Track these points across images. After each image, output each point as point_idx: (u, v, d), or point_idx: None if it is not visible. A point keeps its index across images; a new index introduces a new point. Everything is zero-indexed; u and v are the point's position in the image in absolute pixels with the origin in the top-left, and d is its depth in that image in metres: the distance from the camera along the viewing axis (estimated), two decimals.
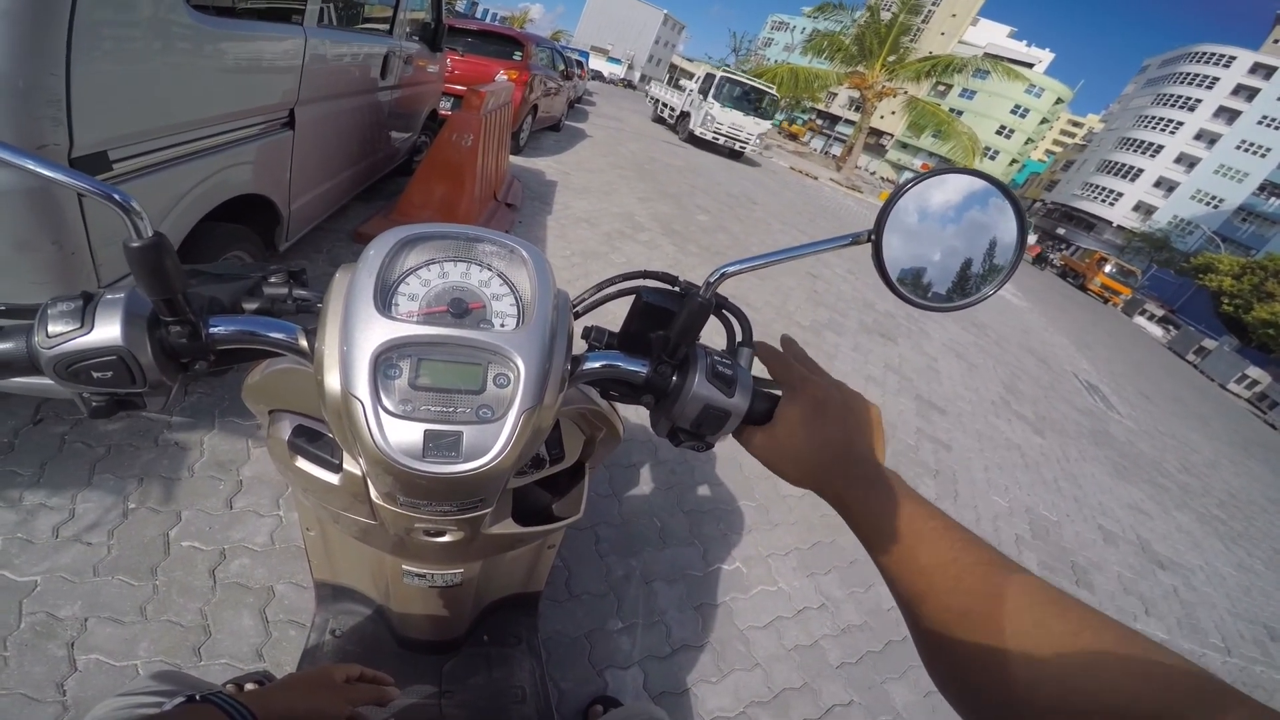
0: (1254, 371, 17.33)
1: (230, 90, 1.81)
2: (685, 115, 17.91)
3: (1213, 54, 49.98)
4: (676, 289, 0.64)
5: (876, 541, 0.46)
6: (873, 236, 0.52)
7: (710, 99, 16.68)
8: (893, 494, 0.47)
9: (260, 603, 1.58)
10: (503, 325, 0.50)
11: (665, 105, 20.50)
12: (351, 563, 1.05)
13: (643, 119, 19.80)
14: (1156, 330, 24.64)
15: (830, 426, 0.54)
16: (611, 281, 0.71)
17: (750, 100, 17.46)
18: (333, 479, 0.66)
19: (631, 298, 0.63)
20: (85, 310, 0.44)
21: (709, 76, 17.49)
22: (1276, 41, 50.01)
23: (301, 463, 0.67)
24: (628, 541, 2.20)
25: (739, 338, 0.67)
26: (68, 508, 1.61)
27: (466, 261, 0.52)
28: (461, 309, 0.49)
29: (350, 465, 0.64)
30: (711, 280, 0.54)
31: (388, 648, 1.08)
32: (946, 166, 0.54)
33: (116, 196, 0.41)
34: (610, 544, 2.15)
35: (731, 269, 0.54)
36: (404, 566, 0.83)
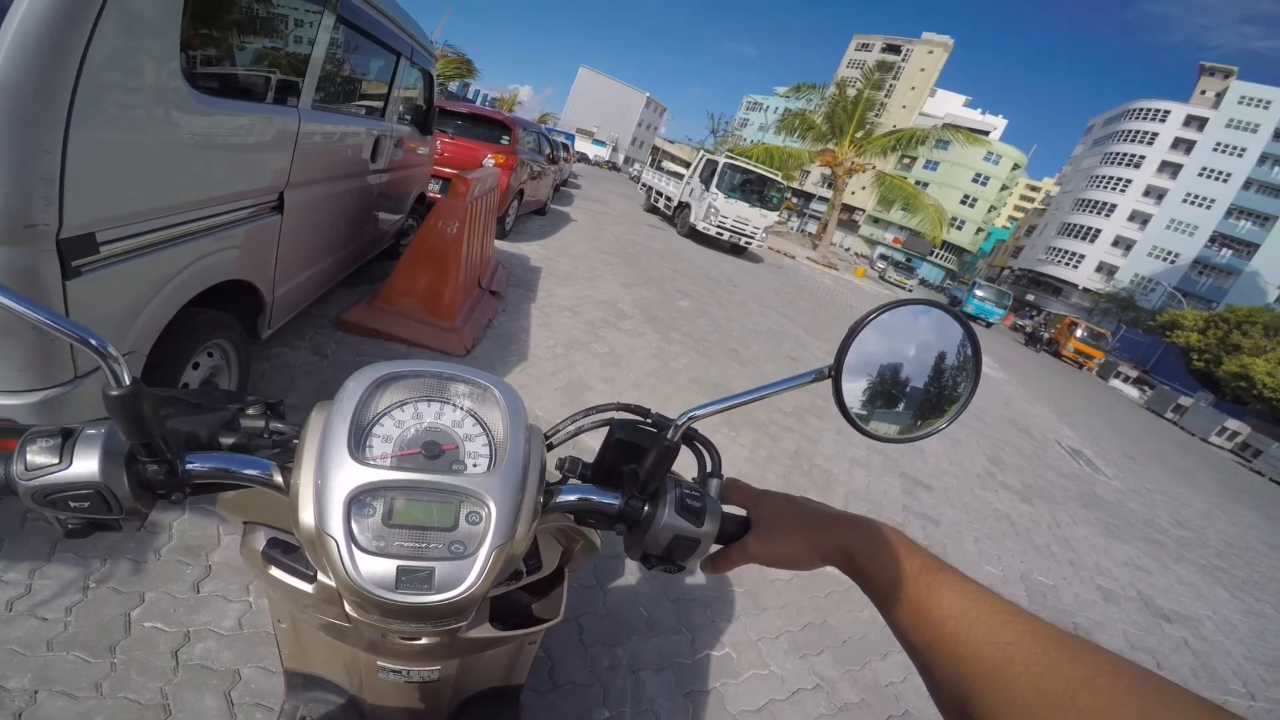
0: (1233, 423, 17.65)
1: (223, 172, 1.80)
2: (684, 207, 16.19)
3: (1149, 109, 52.56)
4: (648, 421, 0.68)
5: (888, 596, 0.48)
6: (832, 373, 0.55)
7: (713, 189, 14.83)
8: (900, 548, 0.49)
9: (225, 685, 1.51)
10: (475, 466, 0.52)
11: (660, 194, 18.49)
12: (324, 655, 1.01)
13: (629, 204, 19.89)
14: (1133, 391, 25.07)
15: (813, 505, 0.57)
16: (586, 413, 0.74)
17: (755, 189, 15.74)
18: (307, 588, 0.65)
19: (606, 428, 0.67)
20: (64, 446, 0.46)
21: (709, 163, 15.60)
22: (1204, 92, 52.85)
23: (275, 572, 0.66)
24: (613, 631, 2.12)
25: (709, 467, 0.70)
26: (24, 583, 1.57)
27: (440, 401, 0.54)
28: (435, 451, 0.51)
29: (325, 578, 0.63)
30: (679, 423, 0.57)
31: None
32: (896, 301, 0.56)
33: (94, 342, 0.42)
34: (595, 634, 2.07)
35: (699, 413, 0.57)
36: (379, 663, 0.80)
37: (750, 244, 15.64)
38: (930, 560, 0.48)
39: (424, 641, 0.66)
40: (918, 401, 0.58)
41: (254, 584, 1.79)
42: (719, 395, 0.69)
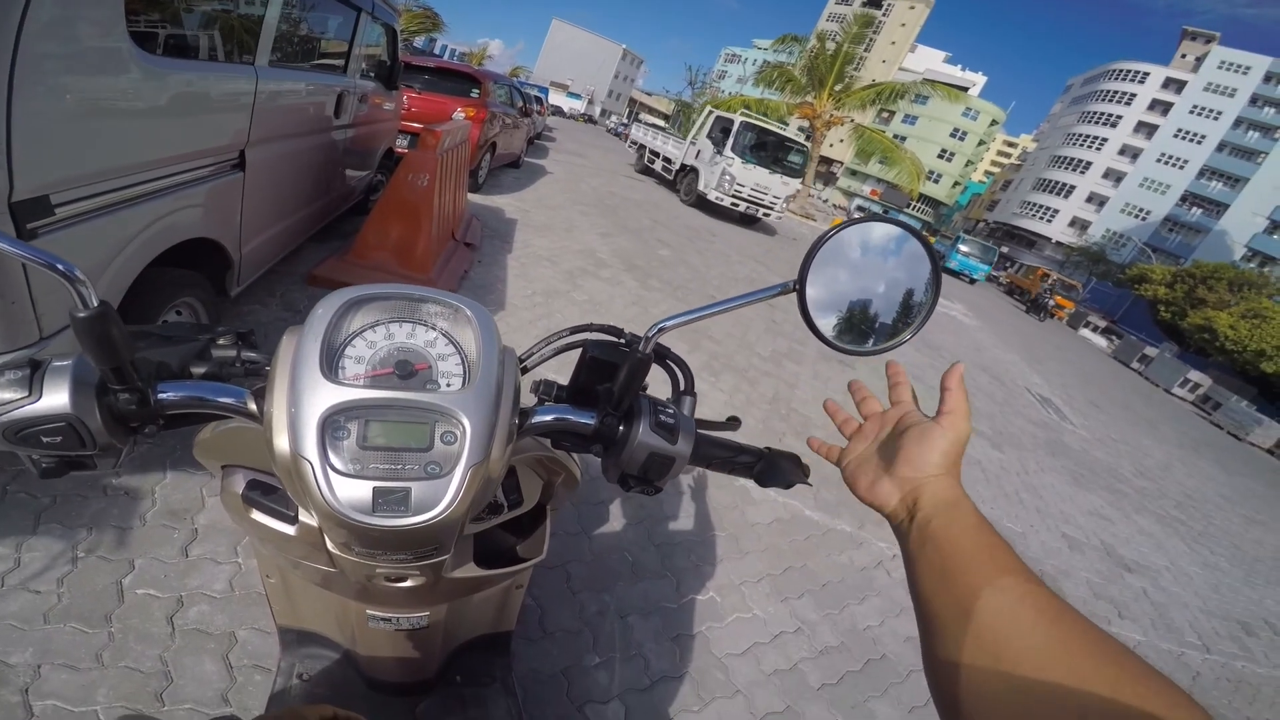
0: (1195, 375, 18.20)
1: (178, 132, 1.77)
2: (689, 171, 13.80)
3: (1129, 70, 53.37)
4: (621, 341, 0.68)
5: (936, 561, 0.47)
6: (797, 286, 0.55)
7: (728, 152, 12.43)
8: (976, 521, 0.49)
9: (222, 648, 1.53)
10: (449, 385, 0.51)
11: (657, 155, 15.91)
12: (315, 608, 1.02)
13: (607, 156, 19.34)
14: (1101, 341, 25.72)
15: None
16: (559, 335, 0.74)
17: (776, 152, 13.33)
18: (289, 530, 0.65)
19: (579, 350, 0.66)
20: (33, 378, 0.44)
21: (722, 121, 13.25)
22: (1184, 56, 53.69)
23: (257, 515, 0.66)
24: (600, 577, 2.18)
25: (682, 386, 0.70)
26: (12, 556, 1.56)
27: (412, 322, 0.54)
28: (408, 370, 0.50)
29: (306, 517, 0.63)
30: (649, 335, 0.56)
31: (357, 690, 1.04)
32: (864, 215, 0.59)
33: (60, 266, 0.40)
34: (582, 581, 2.12)
35: (669, 324, 0.57)
36: (368, 611, 0.81)
37: (769, 215, 13.60)
38: (983, 521, 0.48)
39: (409, 583, 0.66)
40: (881, 315, 0.59)
41: (242, 545, 1.79)
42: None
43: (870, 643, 2.38)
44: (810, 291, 0.56)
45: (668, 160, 15.29)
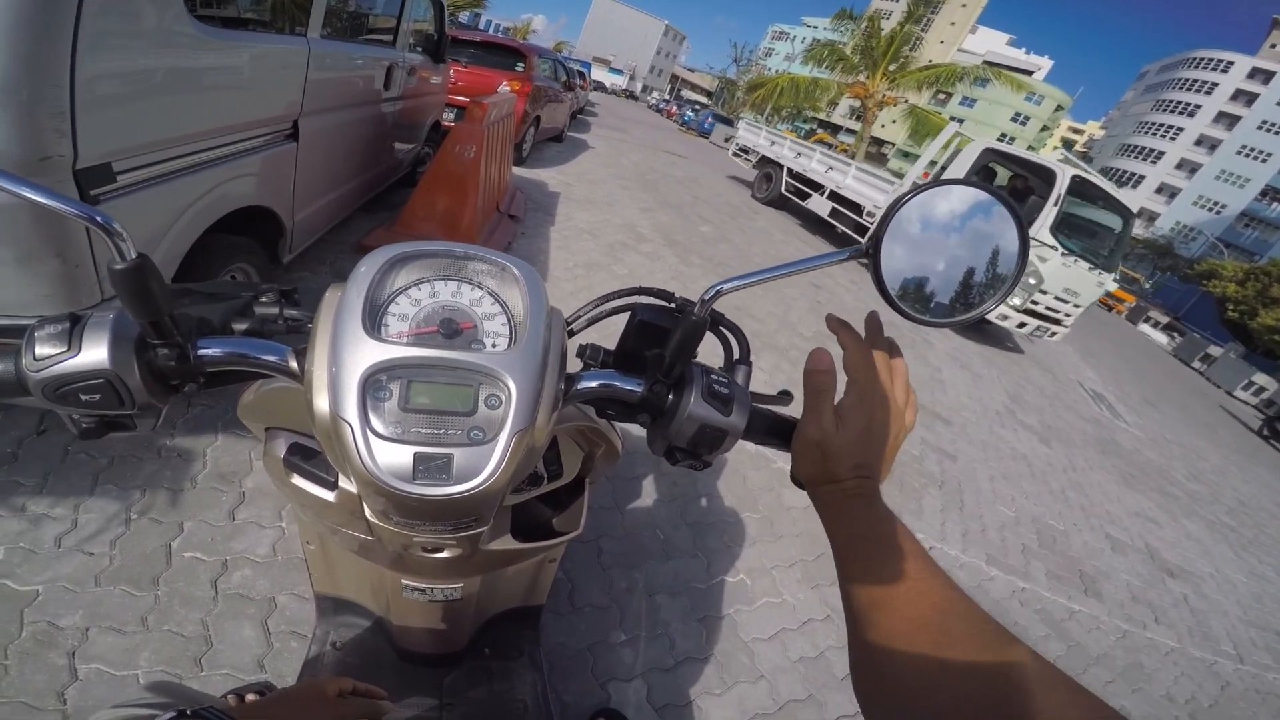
0: (1260, 378, 17.20)
1: (233, 102, 1.82)
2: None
3: (1210, 59, 50.36)
4: (672, 305, 0.64)
5: (856, 549, 0.48)
6: (870, 250, 0.51)
7: (1043, 233, 7.00)
8: (887, 515, 0.49)
9: (262, 614, 1.57)
10: (494, 346, 0.49)
11: (816, 191, 10.27)
12: (351, 576, 1.05)
13: (648, 131, 18.57)
14: (1161, 338, 24.52)
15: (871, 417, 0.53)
16: (607, 299, 0.70)
17: (1092, 230, 8.06)
18: (329, 496, 0.65)
19: (627, 315, 0.63)
20: (73, 332, 0.43)
21: (1011, 166, 8.42)
22: (1274, 46, 50.44)
23: (297, 480, 0.67)
24: (631, 554, 2.19)
25: (736, 355, 0.66)
26: (70, 518, 1.61)
27: (457, 280, 0.52)
28: (452, 329, 0.49)
29: (345, 483, 0.63)
30: (706, 298, 0.53)
31: (388, 660, 1.07)
32: (947, 178, 0.53)
33: (98, 219, 0.39)
34: (613, 556, 2.14)
35: (727, 286, 0.52)
36: (403, 581, 0.82)
37: (1053, 334, 8.03)
38: (909, 535, 0.48)
39: (446, 554, 0.66)
40: (960, 284, 0.54)
41: (286, 509, 1.85)
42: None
43: None
44: (884, 257, 0.51)
45: (852, 209, 9.37)
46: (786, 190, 11.22)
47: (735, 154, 13.29)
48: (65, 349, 0.43)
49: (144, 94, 1.40)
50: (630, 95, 54.96)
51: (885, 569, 0.45)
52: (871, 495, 0.50)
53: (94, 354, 0.43)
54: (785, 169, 11.23)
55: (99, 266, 1.33)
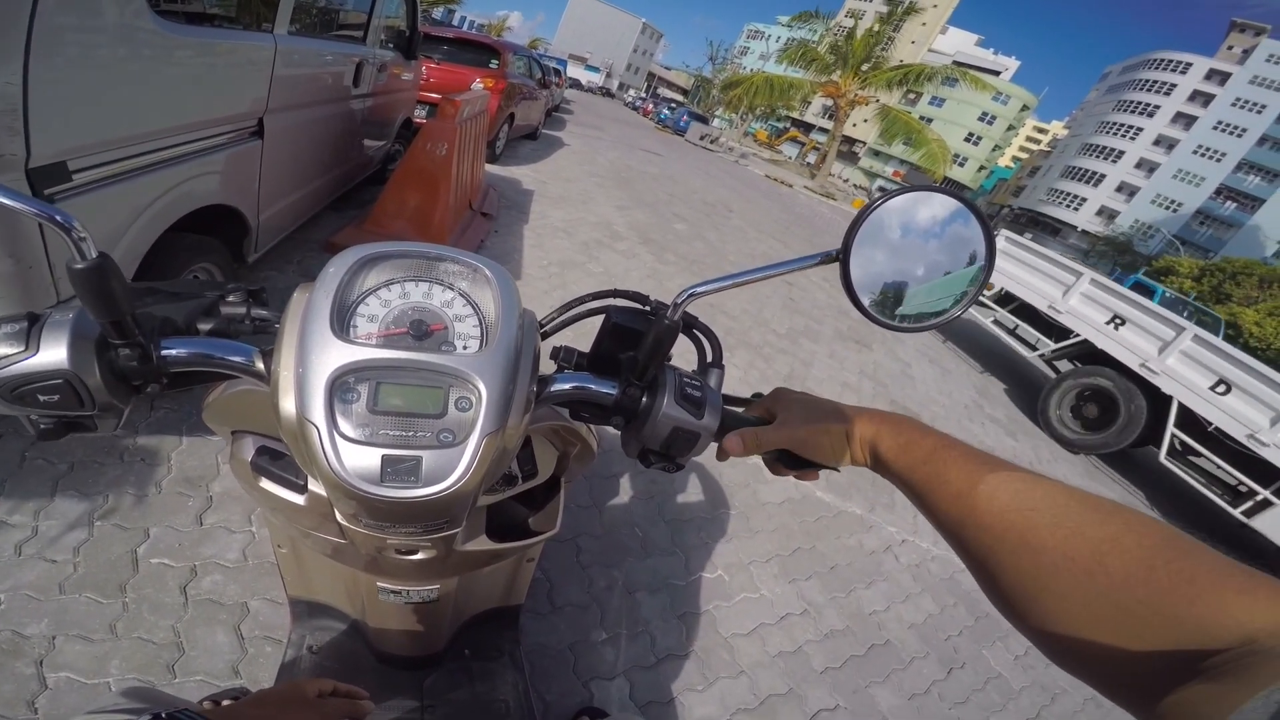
0: None
1: (196, 98, 1.77)
2: None
3: (1170, 60, 51.96)
4: (646, 308, 0.64)
5: (911, 482, 0.49)
6: (840, 256, 0.52)
7: None
8: (915, 431, 0.52)
9: (234, 619, 1.54)
10: (465, 348, 0.49)
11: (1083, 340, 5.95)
12: (325, 579, 1.03)
13: (624, 129, 18.56)
14: None
15: (835, 403, 0.59)
16: (580, 300, 0.70)
17: None
18: (298, 499, 0.64)
19: (601, 317, 0.63)
20: (30, 332, 0.42)
21: None
22: (1230, 48, 52.28)
23: (266, 484, 0.65)
24: (609, 552, 2.19)
25: (709, 358, 0.66)
26: (30, 525, 1.56)
27: (428, 281, 0.51)
28: (422, 331, 0.48)
29: (315, 486, 0.62)
30: (679, 301, 0.53)
31: (366, 663, 1.06)
32: (914, 185, 0.55)
33: (58, 217, 0.38)
34: (592, 555, 2.14)
35: (700, 290, 0.54)
36: (378, 584, 0.81)
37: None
38: (944, 439, 0.49)
39: (420, 556, 0.65)
40: (927, 290, 0.56)
41: (256, 513, 1.81)
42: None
43: (875, 628, 2.38)
44: (854, 262, 0.53)
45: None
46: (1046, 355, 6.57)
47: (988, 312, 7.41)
48: (23, 349, 0.42)
49: (102, 91, 1.36)
50: (607, 93, 54.90)
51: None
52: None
53: (53, 354, 0.42)
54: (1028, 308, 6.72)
55: (54, 267, 1.29)
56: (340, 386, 0.44)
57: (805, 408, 0.59)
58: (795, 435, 0.57)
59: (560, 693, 1.67)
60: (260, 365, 0.50)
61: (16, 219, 1.18)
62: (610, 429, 0.62)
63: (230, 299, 0.60)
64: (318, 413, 0.43)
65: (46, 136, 1.20)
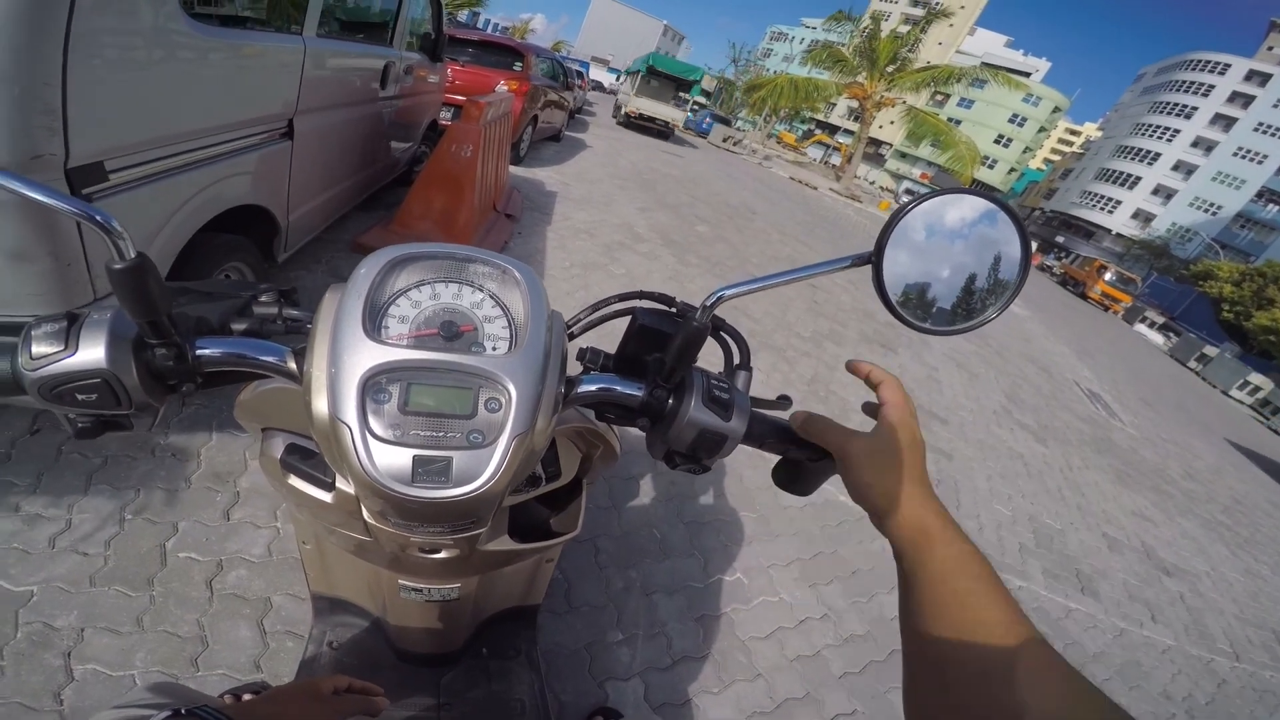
0: (1256, 378, 17.29)
1: (228, 100, 1.80)
2: None
3: (1208, 61, 50.34)
4: (673, 310, 0.64)
5: (940, 577, 0.49)
6: (873, 258, 0.51)
7: None
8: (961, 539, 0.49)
9: (257, 614, 1.57)
10: (495, 349, 0.49)
11: None
12: (348, 576, 1.04)
13: (649, 134, 18.56)
14: (1157, 338, 24.61)
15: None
16: (607, 302, 0.70)
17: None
18: (326, 497, 0.65)
19: (628, 318, 0.63)
20: (69, 331, 0.43)
21: None
22: (1271, 49, 50.48)
23: (294, 481, 0.66)
24: (628, 553, 2.18)
25: (736, 360, 0.66)
26: (64, 518, 1.60)
27: (458, 283, 0.52)
28: (453, 332, 0.48)
29: (343, 484, 0.63)
30: (708, 303, 0.53)
31: (385, 660, 1.07)
32: (948, 187, 0.54)
33: (97, 217, 0.39)
34: (610, 556, 2.14)
35: (729, 292, 0.53)
36: (400, 581, 0.82)
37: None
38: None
39: (443, 555, 0.66)
40: (962, 292, 0.54)
41: (281, 509, 1.85)
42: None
43: (897, 634, 2.33)
44: (886, 265, 0.52)
45: None
46: None
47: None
48: (62, 348, 0.43)
49: (137, 92, 1.39)
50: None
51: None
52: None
53: (91, 353, 0.43)
54: None
55: (91, 265, 1.32)
56: (372, 387, 0.44)
57: (881, 455, 0.55)
58: (861, 453, 0.55)
59: (576, 693, 1.67)
60: (292, 365, 0.51)
61: (55, 218, 1.21)
62: (631, 431, 0.62)
63: (263, 299, 0.61)
64: (350, 413, 0.43)
65: (84, 137, 1.23)
